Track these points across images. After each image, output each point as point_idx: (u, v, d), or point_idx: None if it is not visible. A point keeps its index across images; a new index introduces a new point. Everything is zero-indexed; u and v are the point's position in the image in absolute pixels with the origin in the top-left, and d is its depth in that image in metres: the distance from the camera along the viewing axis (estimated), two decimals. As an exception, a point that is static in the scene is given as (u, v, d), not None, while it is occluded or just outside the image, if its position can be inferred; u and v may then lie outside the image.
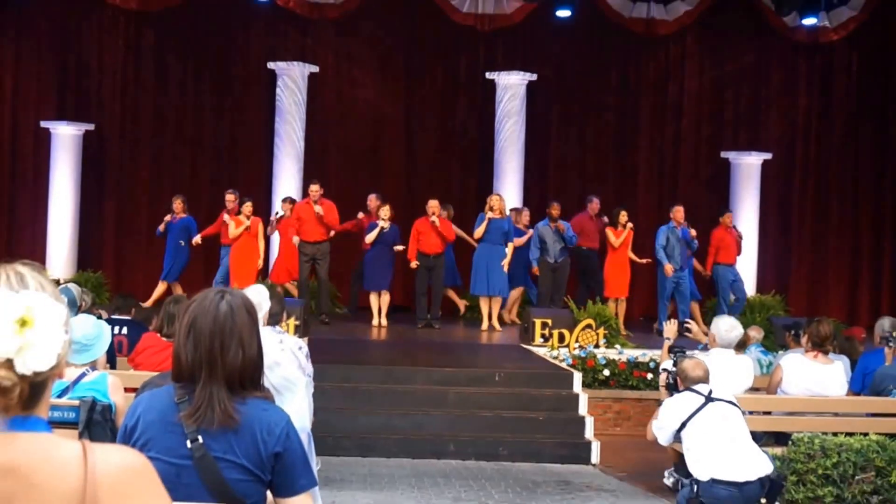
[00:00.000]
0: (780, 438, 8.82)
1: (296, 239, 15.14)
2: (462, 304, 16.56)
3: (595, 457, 10.87)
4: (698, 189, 18.81)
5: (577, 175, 18.95)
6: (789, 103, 19.22)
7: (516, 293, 16.07)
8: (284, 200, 15.97)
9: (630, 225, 15.56)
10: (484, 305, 15.43)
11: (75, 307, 8.66)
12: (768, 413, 9.13)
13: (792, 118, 19.26)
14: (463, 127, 18.82)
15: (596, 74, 18.88)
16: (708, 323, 11.88)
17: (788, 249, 18.74)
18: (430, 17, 18.12)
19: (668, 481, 9.51)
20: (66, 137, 17.28)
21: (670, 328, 8.95)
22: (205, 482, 3.03)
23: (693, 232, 15.41)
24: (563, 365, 12.53)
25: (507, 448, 10.87)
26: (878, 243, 19.33)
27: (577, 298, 15.00)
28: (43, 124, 17.45)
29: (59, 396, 5.69)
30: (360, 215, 15.90)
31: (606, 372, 12.56)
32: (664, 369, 8.32)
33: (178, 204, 15.79)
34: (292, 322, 12.43)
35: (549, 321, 13.56)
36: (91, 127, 17.56)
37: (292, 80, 17.37)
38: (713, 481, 6.67)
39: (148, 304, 14.32)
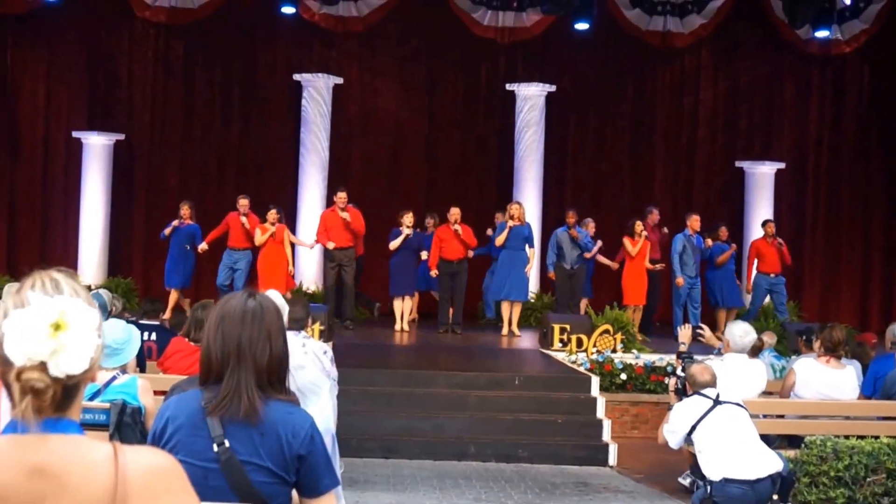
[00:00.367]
0: (793, 441, 8.90)
1: (331, 245, 15.32)
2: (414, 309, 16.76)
3: (612, 459, 10.94)
4: (713, 197, 18.95)
5: (595, 184, 19.07)
6: (802, 114, 19.28)
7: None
8: (272, 208, 16.03)
9: (646, 234, 15.73)
10: (505, 311, 15.53)
11: (106, 312, 8.53)
12: (781, 416, 9.20)
13: (805, 128, 19.32)
14: (483, 137, 18.90)
15: (613, 85, 18.97)
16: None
17: (801, 256, 18.85)
18: (452, 30, 18.18)
19: (685, 483, 9.67)
20: (96, 147, 17.44)
21: (685, 333, 8.98)
22: (231, 485, 3.04)
23: (709, 241, 15.59)
24: (581, 369, 12.63)
25: (527, 450, 10.93)
26: (890, 250, 19.34)
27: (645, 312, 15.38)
28: (74, 134, 17.63)
29: (91, 399, 5.72)
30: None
31: (623, 376, 12.65)
32: (673, 374, 8.50)
33: (185, 210, 15.65)
34: (317, 327, 12.47)
35: (568, 326, 13.65)
36: (121, 137, 17.73)
37: (317, 92, 17.53)
38: (725, 480, 6.75)
39: (167, 315, 13.94)
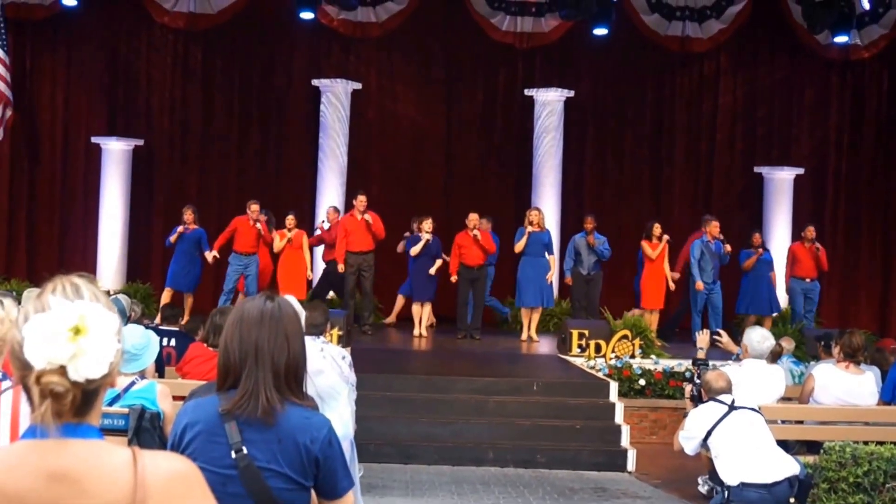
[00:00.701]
0: (811, 447, 8.86)
1: (340, 268, 15.30)
2: (397, 311, 16.68)
3: (631, 464, 10.95)
4: (732, 203, 18.90)
5: (613, 189, 19.06)
6: (821, 119, 19.24)
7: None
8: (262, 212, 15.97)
9: (666, 237, 15.73)
10: (525, 317, 15.60)
11: (125, 318, 8.58)
12: (800, 422, 9.18)
13: (824, 134, 19.28)
14: (501, 142, 18.92)
15: (632, 91, 18.96)
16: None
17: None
18: (470, 36, 18.21)
19: (703, 489, 9.61)
20: (115, 152, 17.51)
21: (702, 339, 8.98)
22: (250, 492, 3.04)
23: (728, 247, 15.55)
24: (600, 375, 12.64)
25: (545, 455, 10.92)
26: (909, 256, 19.39)
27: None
28: (93, 140, 17.70)
29: (110, 404, 5.73)
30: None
31: (642, 381, 12.65)
32: (689, 381, 8.51)
33: (189, 214, 15.57)
34: (335, 332, 12.51)
35: (586, 332, 13.65)
36: (140, 142, 17.79)
37: (336, 97, 17.57)
38: (743, 485, 6.75)
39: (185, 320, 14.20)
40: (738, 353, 9.40)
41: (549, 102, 17.83)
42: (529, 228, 15.17)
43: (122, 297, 9.88)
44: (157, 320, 12.65)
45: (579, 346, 13.56)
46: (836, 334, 9.82)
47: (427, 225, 15.41)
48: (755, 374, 8.70)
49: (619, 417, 11.58)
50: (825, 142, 19.30)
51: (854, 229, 19.21)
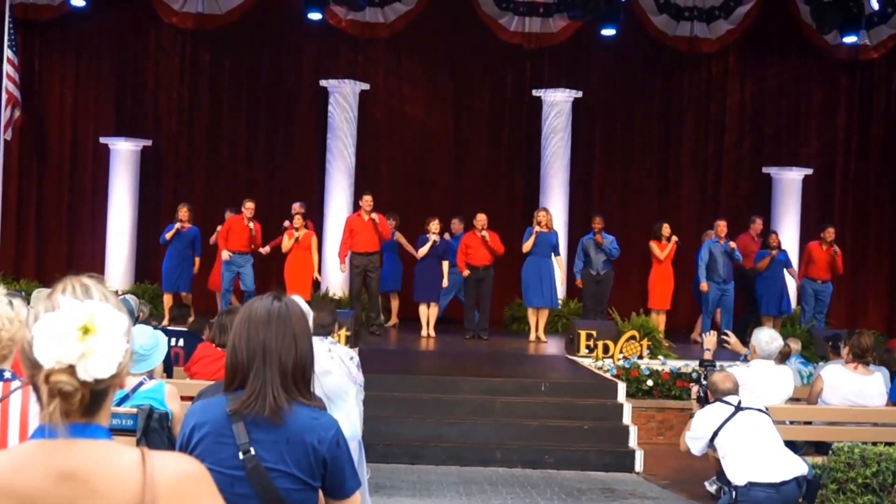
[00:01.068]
0: (820, 448, 8.89)
1: (343, 268, 15.38)
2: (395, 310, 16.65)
3: (639, 465, 10.97)
4: (740, 204, 18.89)
5: (621, 190, 19.07)
6: (830, 119, 19.22)
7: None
8: (228, 209, 16.01)
9: (674, 238, 15.72)
10: (532, 317, 15.58)
11: (133, 318, 8.77)
12: (809, 423, 9.20)
13: (832, 134, 19.26)
14: (509, 143, 18.91)
15: (640, 91, 18.96)
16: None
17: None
18: (478, 36, 18.22)
19: (711, 489, 9.66)
20: (124, 153, 17.54)
21: (709, 340, 8.94)
22: (257, 492, 3.04)
23: (732, 244, 15.52)
24: (608, 375, 12.64)
25: (553, 456, 10.94)
26: (919, 257, 19.35)
27: (742, 321, 15.32)
28: (102, 140, 17.73)
29: (118, 405, 5.71)
30: (287, 224, 15.80)
31: (650, 382, 12.63)
32: (696, 382, 8.51)
33: (184, 212, 15.46)
34: (343, 332, 12.50)
35: (594, 332, 13.64)
36: (148, 143, 17.84)
37: (343, 98, 17.56)
38: (750, 484, 6.72)
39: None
40: (746, 354, 9.41)
41: (557, 103, 17.82)
42: (537, 229, 15.17)
43: (130, 297, 9.91)
44: (165, 321, 12.70)
45: (587, 346, 13.57)
46: (844, 335, 9.82)
47: (434, 226, 15.43)
48: (763, 375, 8.71)
49: (626, 418, 11.59)
50: (834, 142, 19.28)
51: (862, 230, 19.19)
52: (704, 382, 7.94)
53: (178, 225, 15.42)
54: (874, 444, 8.30)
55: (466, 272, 15.34)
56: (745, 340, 9.79)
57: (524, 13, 18.07)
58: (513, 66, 18.86)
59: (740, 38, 18.41)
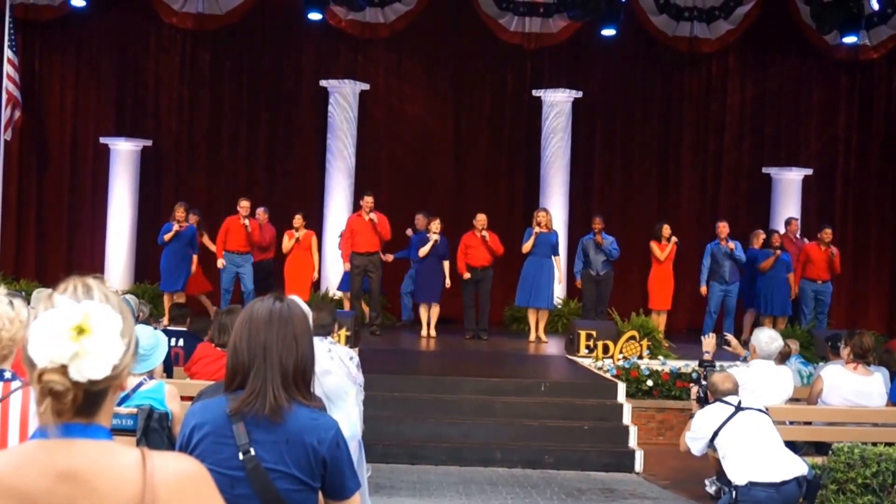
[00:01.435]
0: (820, 448, 8.90)
1: (346, 266, 15.37)
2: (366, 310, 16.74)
3: (639, 465, 10.96)
4: (740, 204, 18.92)
5: (621, 190, 19.07)
6: (830, 120, 19.22)
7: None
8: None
9: (674, 238, 15.73)
10: (532, 318, 15.61)
11: (134, 319, 8.78)
12: (809, 423, 9.21)
13: (832, 134, 19.26)
14: (510, 143, 18.91)
15: (640, 91, 18.95)
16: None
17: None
18: (478, 36, 18.21)
19: (711, 489, 9.65)
20: (124, 152, 17.54)
21: (708, 342, 8.97)
22: (257, 493, 3.05)
23: (731, 245, 15.51)
24: (608, 375, 12.64)
25: (553, 456, 10.94)
26: (919, 257, 19.34)
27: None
28: (102, 140, 17.73)
29: (118, 405, 5.73)
30: (176, 226, 15.67)
31: (650, 382, 12.63)
32: (696, 383, 8.51)
33: (181, 212, 15.44)
34: (343, 333, 12.48)
35: (594, 333, 13.64)
36: (148, 143, 17.84)
37: (343, 98, 17.57)
38: (751, 484, 6.73)
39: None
40: (746, 355, 9.41)
41: (558, 103, 17.82)
42: (537, 229, 15.18)
43: (130, 297, 9.89)
44: (165, 321, 12.69)
45: (587, 346, 13.57)
46: (844, 335, 9.82)
47: (434, 226, 15.42)
48: (763, 376, 8.71)
49: (626, 418, 11.59)
50: (834, 142, 19.28)
51: (862, 230, 19.18)
52: (704, 383, 7.96)
53: (176, 225, 15.41)
54: (874, 444, 8.31)
55: (467, 275, 15.35)
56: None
57: (524, 13, 18.07)
58: (513, 66, 18.86)
59: (740, 39, 18.40)
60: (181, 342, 9.48)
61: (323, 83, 17.76)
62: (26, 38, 17.83)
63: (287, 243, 15.28)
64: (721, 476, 7.83)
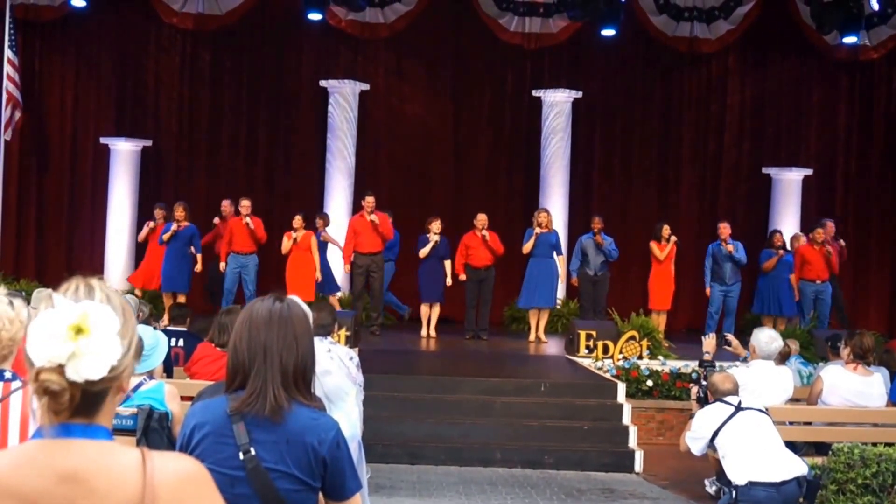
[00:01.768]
0: (820, 448, 8.90)
1: (346, 267, 15.41)
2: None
3: (638, 465, 10.98)
4: (739, 204, 18.92)
5: (621, 190, 19.07)
6: (830, 120, 19.22)
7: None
8: (157, 206, 16.01)
9: (674, 238, 15.73)
10: (532, 318, 15.59)
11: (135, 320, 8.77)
12: (809, 423, 9.22)
13: (832, 134, 19.26)
14: (510, 143, 18.92)
15: (640, 92, 18.96)
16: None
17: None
18: (478, 36, 18.22)
19: (711, 489, 9.66)
20: (124, 153, 17.54)
21: (709, 342, 8.95)
22: (257, 493, 3.05)
23: (730, 247, 15.50)
24: (608, 376, 12.65)
25: (553, 456, 10.95)
26: (919, 257, 19.33)
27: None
28: (102, 140, 17.73)
29: (118, 405, 5.85)
30: (216, 220, 15.77)
31: (650, 382, 12.63)
32: (696, 383, 8.52)
33: (180, 211, 15.40)
34: (343, 332, 12.49)
35: (594, 333, 13.64)
36: (148, 143, 17.84)
37: (343, 98, 17.57)
38: (751, 484, 6.72)
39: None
40: (747, 356, 9.41)
41: (557, 103, 17.83)
42: (537, 230, 15.19)
43: (130, 297, 9.89)
44: (165, 321, 12.69)
45: (587, 346, 13.57)
46: (844, 335, 9.83)
47: (435, 226, 15.42)
48: (763, 376, 8.71)
49: (626, 418, 11.60)
50: (834, 142, 19.28)
51: (863, 230, 19.18)
52: (704, 383, 7.95)
53: (174, 225, 15.41)
54: (874, 444, 8.32)
55: (463, 277, 15.35)
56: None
57: (524, 13, 18.07)
58: (513, 66, 18.87)
59: (740, 39, 18.40)
60: (181, 342, 9.49)
61: (323, 83, 17.76)
62: (26, 38, 17.83)
63: (286, 244, 15.26)
64: (721, 476, 7.84)
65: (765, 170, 18.45)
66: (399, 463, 10.71)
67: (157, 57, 18.64)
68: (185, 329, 10.11)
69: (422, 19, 17.99)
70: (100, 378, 1.90)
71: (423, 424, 11.32)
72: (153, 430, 5.88)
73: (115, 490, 1.91)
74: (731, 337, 10.42)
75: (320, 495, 3.19)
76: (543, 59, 18.76)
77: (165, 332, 8.34)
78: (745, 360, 9.51)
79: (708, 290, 15.60)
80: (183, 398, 6.23)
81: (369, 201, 15.24)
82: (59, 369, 1.88)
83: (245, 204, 15.45)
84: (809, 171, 18.30)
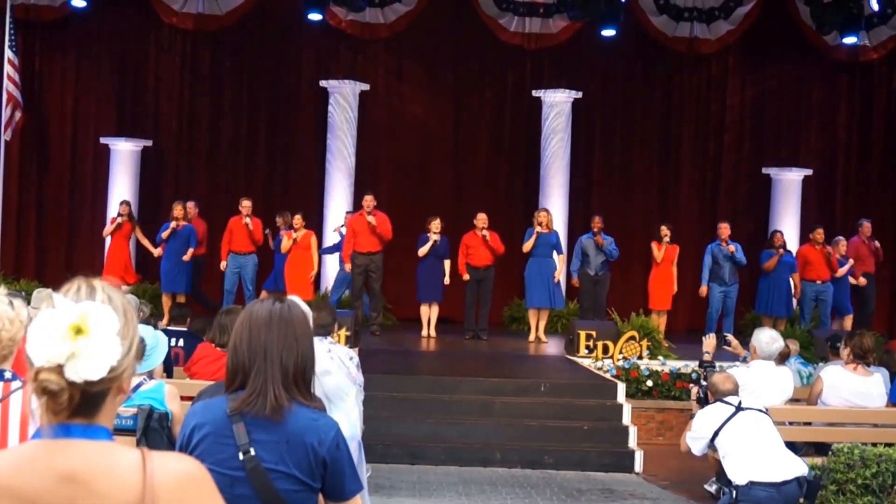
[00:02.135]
0: (820, 449, 8.89)
1: (347, 267, 15.43)
2: None
3: (638, 465, 10.97)
4: (739, 204, 18.92)
5: (621, 190, 19.07)
6: (830, 120, 19.23)
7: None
8: (122, 203, 16.01)
9: (666, 239, 15.65)
10: (532, 317, 15.60)
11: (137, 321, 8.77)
12: (808, 424, 9.21)
13: (832, 134, 19.27)
14: (510, 143, 18.93)
15: (640, 92, 18.96)
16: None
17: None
18: (478, 36, 18.24)
19: (711, 490, 9.67)
20: (124, 153, 17.56)
21: (708, 342, 8.95)
22: (257, 493, 3.04)
23: (731, 248, 15.50)
24: (607, 376, 12.64)
25: (553, 456, 10.94)
26: (919, 258, 19.31)
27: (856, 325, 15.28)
28: (102, 140, 17.75)
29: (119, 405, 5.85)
30: (173, 224, 15.72)
31: (650, 383, 12.64)
32: (696, 383, 8.52)
33: (179, 210, 15.45)
34: (343, 332, 12.46)
35: (594, 333, 13.64)
36: (149, 143, 17.86)
37: (343, 98, 17.57)
38: (751, 484, 6.72)
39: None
40: (746, 356, 9.41)
41: (557, 103, 17.83)
42: (538, 229, 15.19)
43: (130, 297, 9.86)
44: (165, 321, 12.69)
45: (587, 347, 13.57)
46: (844, 336, 9.83)
47: (434, 225, 15.41)
48: (763, 376, 8.70)
49: (626, 418, 11.59)
50: (834, 143, 19.29)
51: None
52: (704, 383, 7.95)
53: (173, 224, 15.42)
54: (874, 445, 8.32)
55: (466, 276, 15.36)
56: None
57: (524, 13, 18.08)
58: (513, 66, 18.87)
59: (740, 39, 18.42)
60: (181, 342, 9.48)
61: (323, 83, 17.77)
62: (27, 38, 17.85)
63: (286, 243, 15.26)
64: (721, 476, 7.83)
65: (765, 170, 18.45)
66: (399, 463, 10.70)
67: (157, 57, 18.65)
68: (185, 329, 10.10)
69: (422, 19, 18.00)
70: (99, 379, 1.90)
71: (423, 424, 11.30)
72: (153, 430, 5.88)
73: (114, 491, 1.90)
74: (730, 337, 10.43)
75: (320, 496, 3.18)
76: (543, 60, 18.77)
77: (165, 332, 8.33)
78: (744, 360, 9.51)
79: (704, 289, 15.52)
80: (183, 398, 6.22)
81: (368, 200, 15.24)
82: (58, 369, 1.88)
83: (245, 204, 15.45)
84: (809, 171, 18.30)
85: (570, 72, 18.59)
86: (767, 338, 8.96)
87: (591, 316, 15.27)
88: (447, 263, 15.49)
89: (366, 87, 17.89)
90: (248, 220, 15.35)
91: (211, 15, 17.82)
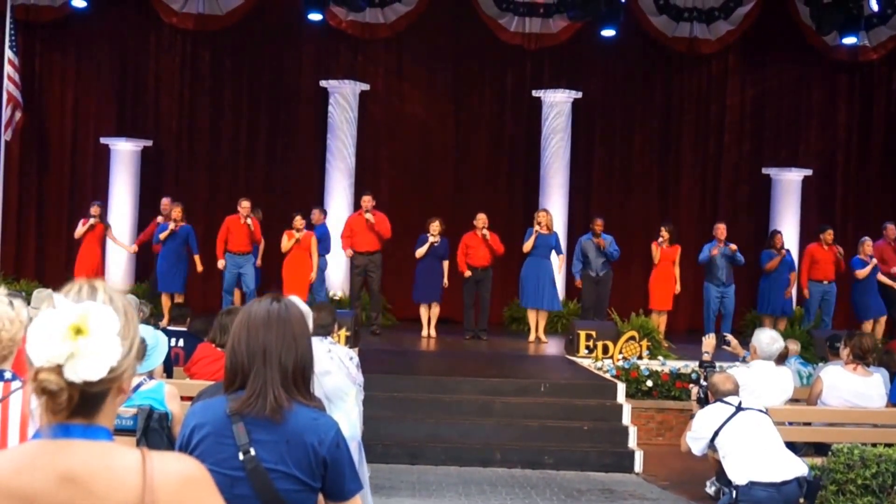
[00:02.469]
0: (819, 449, 8.89)
1: (349, 251, 15.46)
2: None
3: (638, 466, 10.98)
4: (739, 204, 18.92)
5: (621, 190, 19.08)
6: (829, 120, 19.23)
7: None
8: (93, 204, 15.99)
9: (662, 240, 15.66)
10: (531, 318, 15.61)
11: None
12: (808, 424, 9.21)
13: (832, 135, 19.27)
14: (510, 143, 18.92)
15: (639, 92, 18.95)
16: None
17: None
18: (478, 36, 18.23)
19: (711, 490, 9.64)
20: (124, 153, 17.56)
21: (708, 342, 8.94)
22: (257, 493, 3.04)
23: (733, 247, 15.51)
24: (607, 376, 12.65)
25: (552, 457, 10.96)
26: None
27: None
28: (102, 140, 17.74)
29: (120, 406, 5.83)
30: (159, 219, 15.76)
31: (650, 383, 12.64)
32: (696, 383, 8.52)
33: (177, 211, 15.43)
34: (343, 332, 12.44)
35: (594, 333, 13.65)
36: (149, 143, 17.85)
37: (344, 98, 17.58)
38: (751, 484, 6.72)
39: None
40: (746, 355, 9.41)
41: (557, 103, 17.83)
42: (537, 229, 15.19)
43: (130, 297, 9.84)
44: (165, 321, 12.69)
45: (587, 347, 13.57)
46: (844, 336, 9.83)
47: (434, 226, 15.41)
48: (763, 376, 8.70)
49: (626, 419, 11.60)
50: (833, 143, 19.29)
51: (862, 230, 19.08)
52: (704, 383, 7.96)
53: (171, 225, 15.41)
54: (874, 445, 8.33)
55: (468, 273, 15.36)
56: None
57: (524, 14, 18.09)
58: (513, 66, 18.87)
59: (740, 39, 18.43)
60: (181, 342, 9.48)
61: (323, 83, 17.77)
62: (27, 38, 17.84)
63: (286, 243, 15.24)
64: (721, 477, 7.83)
65: (765, 170, 18.45)
66: (399, 463, 10.71)
67: (157, 57, 18.65)
68: (185, 329, 10.10)
69: (422, 19, 18.00)
70: (98, 379, 1.90)
71: (423, 424, 11.31)
72: (153, 431, 5.89)
73: (114, 491, 1.90)
74: (730, 337, 10.43)
75: (320, 496, 3.18)
76: (543, 60, 18.77)
77: (165, 332, 8.34)
78: (744, 360, 9.51)
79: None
80: (183, 398, 6.23)
81: (366, 200, 15.25)
82: (58, 369, 1.87)
83: (245, 205, 15.42)
84: (809, 172, 18.30)
85: (570, 72, 18.59)
86: (767, 338, 8.96)
87: (592, 316, 15.27)
88: (446, 264, 15.49)
89: (366, 87, 17.89)
90: (248, 220, 15.33)
91: (211, 15, 17.83)
